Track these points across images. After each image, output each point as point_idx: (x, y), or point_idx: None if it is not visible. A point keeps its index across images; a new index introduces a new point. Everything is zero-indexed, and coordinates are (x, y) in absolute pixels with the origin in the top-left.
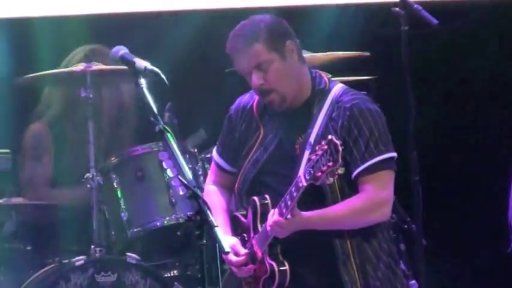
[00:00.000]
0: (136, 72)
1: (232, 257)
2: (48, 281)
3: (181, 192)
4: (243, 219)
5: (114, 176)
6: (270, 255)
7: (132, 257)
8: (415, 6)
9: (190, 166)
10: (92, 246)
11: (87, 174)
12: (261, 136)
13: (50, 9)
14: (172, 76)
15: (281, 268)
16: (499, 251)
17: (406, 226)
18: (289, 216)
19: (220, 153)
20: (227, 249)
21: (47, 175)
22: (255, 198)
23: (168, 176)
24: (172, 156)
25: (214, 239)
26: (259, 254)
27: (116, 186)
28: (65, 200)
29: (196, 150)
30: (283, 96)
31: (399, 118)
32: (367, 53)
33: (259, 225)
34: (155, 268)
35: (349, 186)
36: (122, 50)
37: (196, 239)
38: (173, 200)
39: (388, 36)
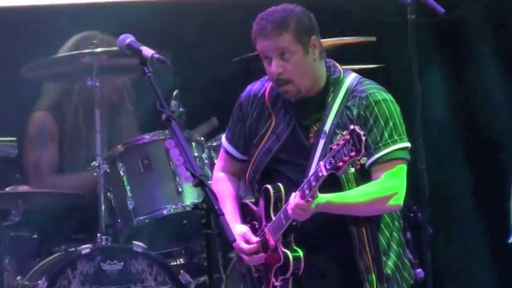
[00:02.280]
0: (143, 61)
1: (243, 245)
2: (55, 269)
3: (187, 181)
4: (253, 207)
5: (120, 164)
6: (283, 243)
7: (138, 245)
8: None
9: (196, 154)
10: (98, 235)
11: (94, 163)
12: (273, 124)
13: None
14: (178, 64)
15: (295, 256)
16: (505, 240)
17: (412, 215)
18: (310, 199)
19: (230, 140)
20: (234, 237)
21: (53, 161)
22: (268, 186)
23: (175, 164)
24: (178, 145)
25: (220, 227)
26: (272, 243)
27: (122, 174)
28: (71, 186)
29: (203, 138)
30: (299, 88)
31: (405, 107)
32: (373, 38)
33: (272, 214)
34: (161, 256)
35: (363, 176)
36: (128, 38)
37: (202, 227)
38: (179, 189)
39: (395, 24)
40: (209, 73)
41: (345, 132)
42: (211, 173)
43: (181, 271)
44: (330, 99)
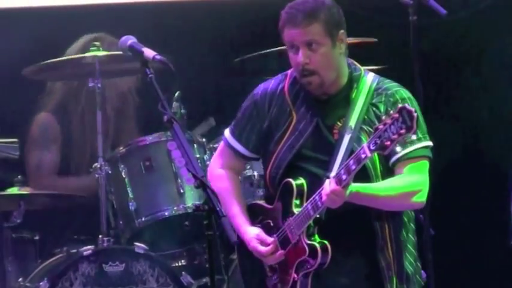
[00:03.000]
0: (144, 62)
1: (260, 248)
2: (56, 270)
3: (189, 182)
4: (266, 205)
5: (122, 166)
6: (307, 236)
7: (140, 246)
8: None
9: (198, 156)
10: (100, 236)
11: (95, 164)
12: (294, 121)
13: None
14: (180, 66)
15: (323, 246)
16: (506, 242)
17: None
18: (346, 185)
19: (238, 137)
20: (235, 239)
21: (54, 164)
22: (290, 180)
23: (176, 165)
24: (180, 146)
25: (222, 229)
26: (295, 236)
27: (124, 175)
28: (72, 189)
29: (204, 139)
30: (323, 81)
31: None
32: (374, 39)
33: (293, 208)
34: (163, 258)
35: (388, 172)
36: (130, 39)
37: (204, 229)
38: (181, 190)
39: (396, 25)
40: (209, 74)
41: (391, 112)
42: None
43: (183, 272)
44: (353, 96)
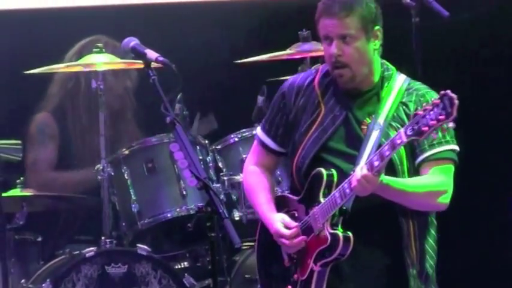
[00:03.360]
0: (147, 64)
1: (283, 230)
2: (59, 272)
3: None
4: (292, 197)
5: (125, 168)
6: (330, 226)
7: (142, 248)
8: None
9: (201, 157)
10: (103, 238)
11: (98, 166)
12: (322, 114)
13: (56, 1)
14: (182, 68)
15: (345, 235)
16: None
17: None
18: (377, 172)
19: (268, 131)
20: (238, 240)
21: (50, 159)
22: (322, 169)
23: (179, 167)
24: (183, 148)
25: (224, 231)
26: (318, 225)
27: (126, 177)
28: (69, 183)
29: (207, 141)
30: (354, 75)
31: None
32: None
33: (321, 197)
34: (166, 259)
35: (414, 171)
36: (133, 41)
37: (206, 231)
38: (184, 192)
39: (399, 27)
40: (211, 76)
41: (431, 100)
42: (216, 176)
43: (186, 274)
44: (384, 94)
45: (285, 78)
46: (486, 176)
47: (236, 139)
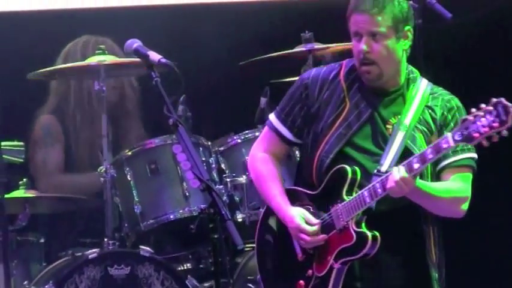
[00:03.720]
0: (150, 66)
1: (305, 226)
2: (62, 273)
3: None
4: (306, 191)
5: (127, 169)
6: (354, 224)
7: (145, 250)
8: (429, 0)
9: (204, 159)
10: (105, 239)
11: (101, 167)
12: (346, 109)
13: (59, 3)
14: (185, 69)
15: (374, 235)
16: None
17: None
18: (415, 174)
19: (284, 121)
20: (241, 242)
21: (59, 161)
22: (346, 166)
23: (182, 168)
24: (185, 149)
25: (227, 232)
26: (341, 223)
27: (129, 178)
28: (77, 186)
29: (209, 143)
30: (381, 72)
31: None
32: None
33: (344, 195)
34: (168, 261)
35: (435, 176)
36: (135, 43)
37: (209, 232)
38: (187, 193)
39: None
40: (215, 78)
41: (482, 106)
42: (219, 177)
43: (188, 276)
44: (409, 96)
45: (287, 79)
46: (489, 176)
47: (239, 141)
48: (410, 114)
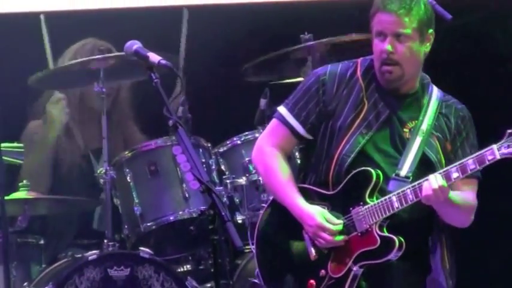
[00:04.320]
0: (149, 67)
1: (327, 224)
2: (62, 275)
3: (194, 187)
4: (320, 190)
5: (127, 170)
6: (379, 228)
7: (145, 251)
8: (430, 1)
9: (203, 160)
10: (105, 241)
11: (101, 169)
12: (365, 108)
13: (58, 4)
14: (184, 70)
15: (400, 240)
16: None
17: None
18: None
19: (297, 115)
20: (240, 243)
21: (43, 167)
22: (370, 169)
23: (182, 170)
24: (185, 151)
25: (227, 234)
26: (364, 226)
27: (129, 180)
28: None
29: (209, 144)
30: (403, 74)
31: None
32: None
33: (367, 197)
34: (168, 262)
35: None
36: (135, 44)
37: (209, 234)
38: (186, 195)
39: None
40: (215, 79)
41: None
42: (219, 179)
43: (188, 277)
44: (425, 102)
45: (287, 81)
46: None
47: (239, 142)
48: (426, 120)
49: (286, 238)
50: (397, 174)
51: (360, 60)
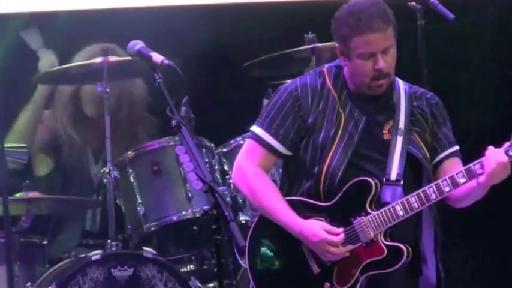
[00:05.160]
0: (152, 67)
1: (330, 237)
2: (65, 275)
3: (197, 187)
4: (316, 202)
5: (130, 170)
6: (384, 237)
7: (148, 251)
8: (432, 0)
9: (206, 160)
10: (108, 241)
11: (104, 169)
12: (343, 119)
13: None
14: (188, 70)
15: (408, 249)
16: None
17: None
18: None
19: (275, 134)
20: (244, 243)
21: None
22: (369, 179)
23: (185, 170)
24: (188, 150)
25: (230, 233)
26: (368, 236)
27: (132, 180)
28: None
29: (213, 144)
30: (390, 81)
31: None
32: None
33: (367, 207)
34: (171, 262)
35: (436, 165)
36: (138, 44)
37: (212, 234)
38: (190, 195)
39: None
40: (217, 79)
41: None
42: (222, 179)
43: (192, 277)
44: (395, 98)
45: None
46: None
47: (242, 142)
48: (402, 118)
49: (282, 255)
50: (388, 179)
51: (325, 69)
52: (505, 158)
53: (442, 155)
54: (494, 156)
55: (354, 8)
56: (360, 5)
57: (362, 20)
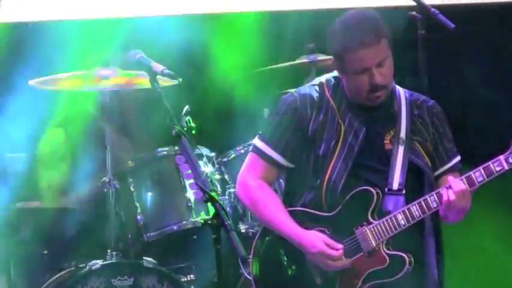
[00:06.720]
0: (153, 76)
1: (329, 251)
2: (65, 285)
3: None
4: (318, 213)
5: (131, 180)
6: (385, 246)
7: (148, 261)
8: (432, 10)
9: (206, 170)
10: (109, 250)
11: (104, 178)
12: (343, 130)
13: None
14: (188, 80)
15: (410, 258)
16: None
17: None
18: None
19: (275, 147)
20: (244, 253)
21: (63, 182)
22: (370, 188)
23: (185, 180)
24: (189, 160)
25: (230, 243)
26: (370, 245)
27: (132, 189)
28: (82, 202)
29: (213, 154)
30: (388, 92)
31: None
32: None
33: (370, 216)
34: (172, 272)
35: (435, 178)
36: (138, 54)
37: (213, 243)
38: (190, 204)
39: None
40: (220, 87)
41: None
42: (222, 188)
43: (192, 286)
44: (396, 107)
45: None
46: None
47: (242, 151)
48: (403, 127)
49: (287, 266)
50: (390, 189)
51: (323, 81)
52: (459, 188)
53: (440, 171)
54: (454, 186)
55: (345, 24)
56: (351, 21)
57: (353, 36)
